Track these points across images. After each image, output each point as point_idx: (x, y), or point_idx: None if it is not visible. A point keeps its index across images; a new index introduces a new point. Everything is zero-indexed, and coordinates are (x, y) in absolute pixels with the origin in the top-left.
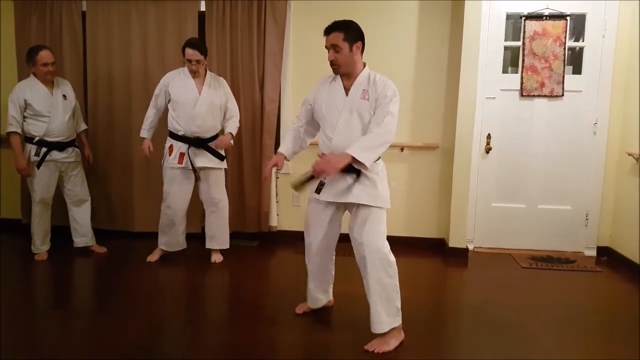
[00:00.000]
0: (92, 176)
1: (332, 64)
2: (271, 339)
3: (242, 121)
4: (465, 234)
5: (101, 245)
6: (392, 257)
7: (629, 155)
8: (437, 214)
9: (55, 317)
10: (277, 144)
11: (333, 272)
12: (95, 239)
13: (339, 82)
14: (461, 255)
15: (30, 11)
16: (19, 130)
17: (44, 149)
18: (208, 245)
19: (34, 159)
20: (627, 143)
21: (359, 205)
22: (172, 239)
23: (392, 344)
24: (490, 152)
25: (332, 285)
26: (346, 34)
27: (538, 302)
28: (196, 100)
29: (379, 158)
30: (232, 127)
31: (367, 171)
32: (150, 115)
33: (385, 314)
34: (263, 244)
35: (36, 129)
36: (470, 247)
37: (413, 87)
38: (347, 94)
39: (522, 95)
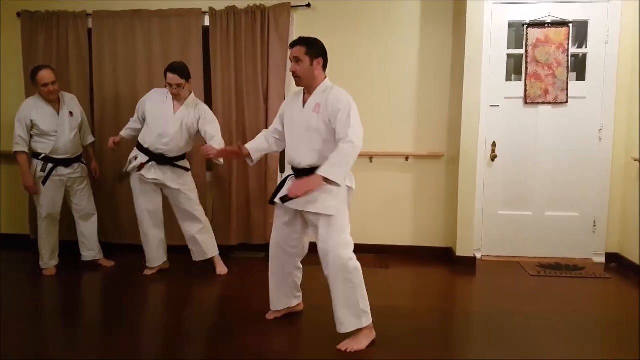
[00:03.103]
0: (99, 190)
1: (294, 75)
2: (279, 350)
3: (247, 134)
4: (473, 243)
5: (109, 259)
6: (352, 264)
7: (635, 160)
8: (444, 222)
9: (64, 332)
10: (282, 155)
11: (297, 280)
12: (102, 252)
13: (300, 96)
14: (469, 264)
15: (37, 28)
16: (26, 149)
17: (50, 165)
18: (193, 257)
19: (40, 174)
20: (633, 148)
21: (308, 213)
22: (147, 254)
23: (363, 342)
24: (495, 159)
25: (297, 292)
26: (308, 49)
27: (548, 311)
28: (168, 120)
29: None
30: (216, 144)
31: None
32: (130, 122)
33: (348, 315)
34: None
35: (43, 146)
36: (478, 255)
37: (417, 96)
38: (304, 107)
39: (526, 102)
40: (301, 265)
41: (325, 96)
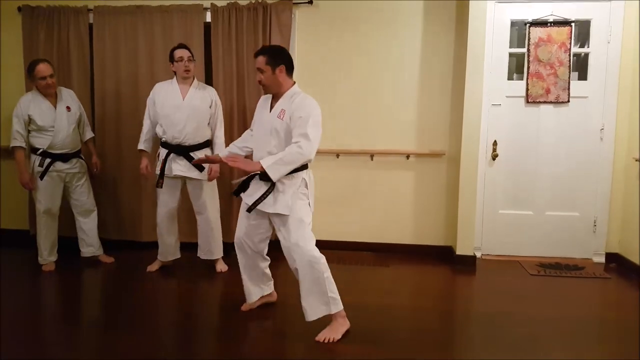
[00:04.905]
0: (100, 187)
1: (260, 84)
2: (278, 350)
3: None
4: (473, 242)
5: (109, 256)
6: (317, 254)
7: (636, 160)
8: (444, 221)
9: (62, 329)
10: None
11: (267, 271)
12: (102, 248)
13: (268, 101)
14: (469, 263)
15: (38, 24)
16: (24, 145)
17: (47, 160)
18: (198, 253)
19: (38, 169)
20: (634, 149)
21: (271, 213)
22: (162, 249)
23: (339, 332)
24: (496, 158)
25: (268, 281)
26: (269, 58)
27: (547, 310)
28: (179, 105)
29: (302, 170)
30: (220, 148)
31: (279, 182)
32: (145, 126)
33: (316, 302)
34: (268, 253)
35: (40, 141)
36: (478, 254)
37: (418, 94)
38: (270, 112)
39: (527, 101)
40: (267, 257)
41: (290, 103)
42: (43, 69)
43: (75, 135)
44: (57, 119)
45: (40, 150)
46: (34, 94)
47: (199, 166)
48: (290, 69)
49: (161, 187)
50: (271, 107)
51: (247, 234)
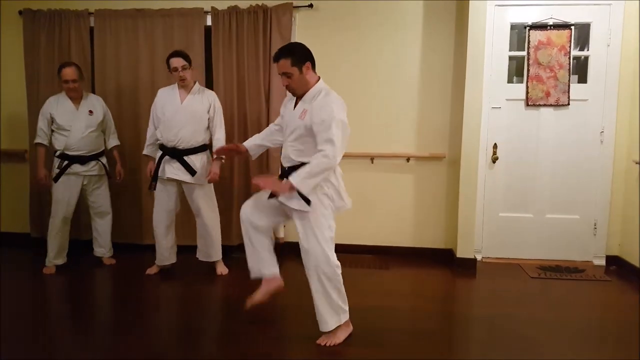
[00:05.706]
0: None
1: (287, 88)
2: (279, 352)
3: (249, 134)
4: (473, 244)
5: (110, 257)
6: (333, 261)
7: (636, 163)
8: (445, 224)
9: (61, 330)
10: None
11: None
12: (113, 251)
13: (293, 98)
14: (469, 266)
15: (39, 27)
16: (46, 142)
17: (65, 162)
18: (197, 254)
19: (56, 171)
20: (634, 151)
21: (293, 210)
22: (158, 252)
23: (341, 337)
24: (496, 161)
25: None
26: (292, 58)
27: (548, 313)
28: (176, 110)
29: None
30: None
31: None
32: (149, 131)
33: (329, 313)
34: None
35: (59, 142)
36: (479, 257)
37: (418, 97)
38: (294, 110)
39: (527, 104)
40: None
41: (313, 103)
42: (67, 72)
43: (93, 138)
44: (75, 119)
45: (59, 152)
46: (61, 95)
47: (191, 170)
48: (314, 64)
49: (154, 190)
50: (295, 105)
51: (253, 214)
